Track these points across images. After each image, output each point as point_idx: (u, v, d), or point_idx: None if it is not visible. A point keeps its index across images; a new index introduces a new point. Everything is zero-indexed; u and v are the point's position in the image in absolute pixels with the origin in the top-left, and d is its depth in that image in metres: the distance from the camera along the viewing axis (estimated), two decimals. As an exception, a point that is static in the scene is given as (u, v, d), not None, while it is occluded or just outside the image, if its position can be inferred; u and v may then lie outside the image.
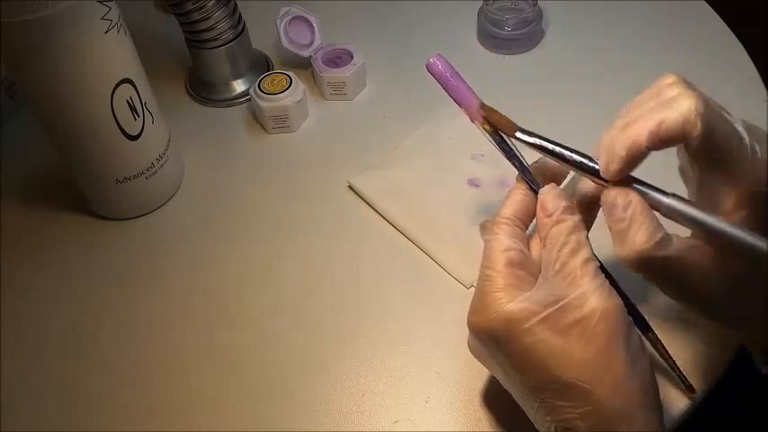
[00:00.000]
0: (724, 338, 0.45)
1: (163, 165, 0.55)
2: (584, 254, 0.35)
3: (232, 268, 0.53)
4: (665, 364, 0.42)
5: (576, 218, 0.36)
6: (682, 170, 0.37)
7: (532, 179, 0.39)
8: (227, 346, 0.48)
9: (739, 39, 0.67)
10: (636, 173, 0.35)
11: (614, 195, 0.34)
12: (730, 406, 0.61)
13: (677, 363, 0.42)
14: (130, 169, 0.53)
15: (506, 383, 0.38)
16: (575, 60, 0.67)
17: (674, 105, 0.32)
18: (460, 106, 0.40)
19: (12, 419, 0.45)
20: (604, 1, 0.73)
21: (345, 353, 0.47)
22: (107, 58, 0.47)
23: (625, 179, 0.35)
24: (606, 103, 0.62)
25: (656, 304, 0.46)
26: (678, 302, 0.36)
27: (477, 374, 0.44)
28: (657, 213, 0.34)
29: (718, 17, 0.70)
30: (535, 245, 0.39)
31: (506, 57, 0.68)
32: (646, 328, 0.40)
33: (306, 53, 0.65)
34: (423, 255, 0.52)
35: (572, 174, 0.40)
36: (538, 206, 0.37)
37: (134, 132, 0.52)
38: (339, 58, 0.65)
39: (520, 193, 0.39)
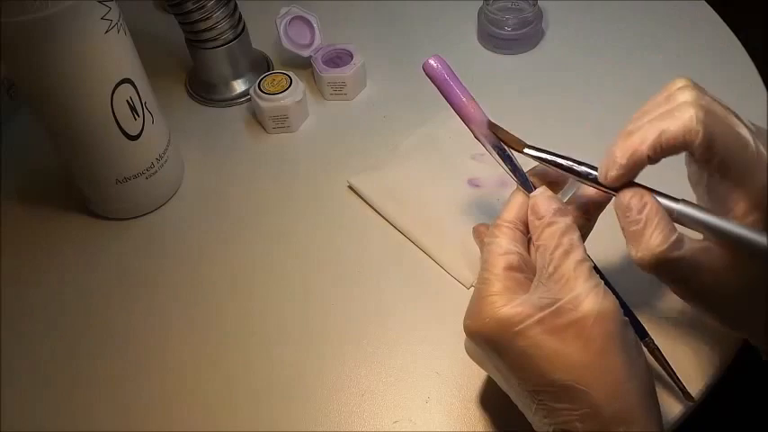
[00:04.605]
0: (721, 342, 0.45)
1: (163, 165, 0.55)
2: (577, 255, 0.35)
3: (232, 268, 0.53)
4: (662, 371, 0.41)
5: (567, 219, 0.36)
6: (690, 178, 0.37)
7: (527, 183, 0.39)
8: (228, 345, 0.48)
9: (739, 39, 0.67)
10: (644, 181, 0.35)
11: (629, 197, 0.34)
12: (727, 411, 0.61)
13: (674, 368, 0.41)
14: (130, 169, 0.53)
15: (504, 386, 0.38)
16: (575, 60, 0.67)
17: (675, 114, 0.32)
18: (453, 108, 0.40)
19: (12, 419, 0.45)
20: (604, 1, 0.73)
21: (345, 353, 0.47)
22: (107, 58, 0.47)
23: (633, 186, 0.35)
24: (606, 104, 0.62)
25: (654, 310, 0.46)
26: (689, 303, 0.36)
27: (477, 374, 0.44)
28: None
29: (719, 17, 0.70)
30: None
31: (506, 57, 0.68)
32: (642, 334, 0.40)
33: (306, 53, 0.65)
34: (423, 255, 0.52)
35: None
36: (529, 209, 0.37)
37: (134, 132, 0.52)
38: (339, 58, 0.65)
39: (521, 196, 0.39)
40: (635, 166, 0.34)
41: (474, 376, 0.44)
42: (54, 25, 0.43)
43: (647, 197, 0.34)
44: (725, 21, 0.69)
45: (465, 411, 0.43)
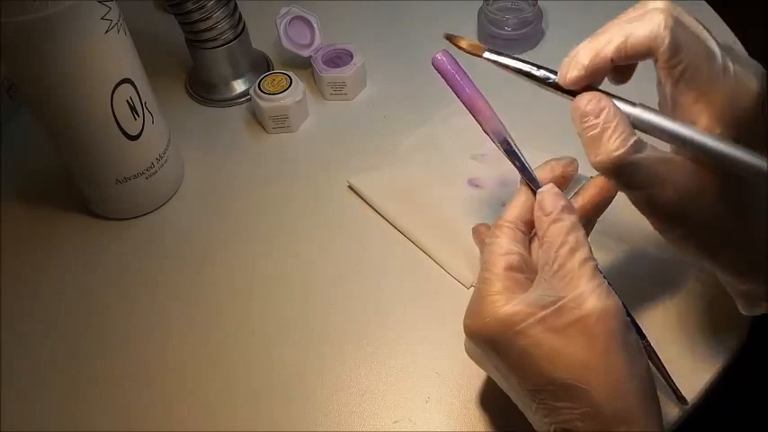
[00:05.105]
0: (719, 344, 0.45)
1: (163, 165, 0.55)
2: (582, 253, 0.34)
3: (232, 268, 0.53)
4: (657, 374, 0.41)
5: (573, 217, 0.36)
6: (660, 98, 0.36)
7: (534, 179, 0.39)
8: (227, 345, 0.48)
9: (739, 39, 0.67)
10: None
11: (586, 101, 0.34)
12: (726, 412, 0.61)
13: (669, 372, 0.41)
14: (130, 169, 0.53)
15: (504, 386, 0.38)
16: (575, 60, 0.67)
17: (644, 19, 0.32)
18: (463, 102, 0.40)
19: (12, 419, 0.45)
20: (604, 1, 0.73)
21: (345, 353, 0.47)
22: (107, 58, 0.47)
23: (590, 90, 0.34)
24: (606, 104, 0.62)
25: (652, 311, 0.46)
26: (654, 223, 0.35)
27: (477, 374, 0.44)
28: None
29: (719, 17, 0.70)
30: (537, 247, 0.39)
31: (506, 57, 0.68)
32: (640, 336, 0.40)
33: (306, 53, 0.65)
34: (423, 255, 0.52)
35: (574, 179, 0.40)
36: (536, 205, 0.37)
37: (134, 132, 0.52)
38: (339, 58, 0.65)
39: (525, 196, 0.38)
40: (597, 69, 0.33)
41: (474, 376, 0.44)
42: (54, 25, 0.43)
43: (605, 101, 0.34)
44: (725, 21, 0.69)
45: (465, 411, 0.43)
